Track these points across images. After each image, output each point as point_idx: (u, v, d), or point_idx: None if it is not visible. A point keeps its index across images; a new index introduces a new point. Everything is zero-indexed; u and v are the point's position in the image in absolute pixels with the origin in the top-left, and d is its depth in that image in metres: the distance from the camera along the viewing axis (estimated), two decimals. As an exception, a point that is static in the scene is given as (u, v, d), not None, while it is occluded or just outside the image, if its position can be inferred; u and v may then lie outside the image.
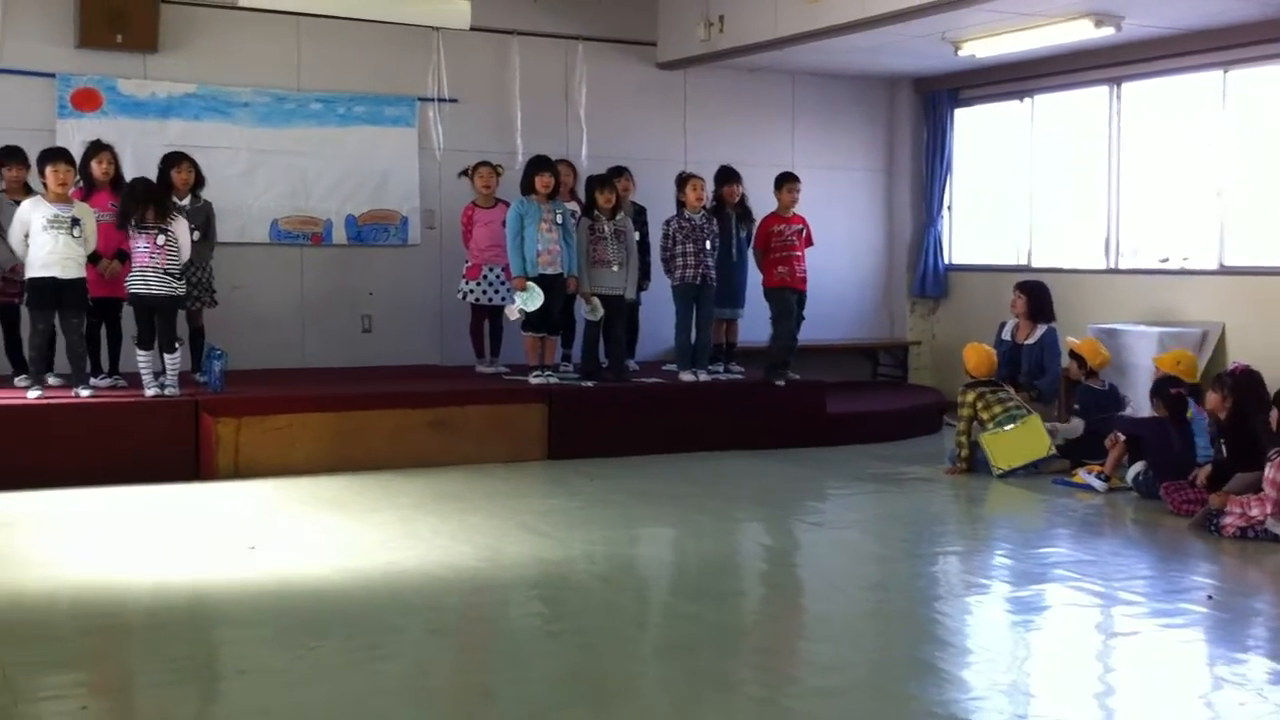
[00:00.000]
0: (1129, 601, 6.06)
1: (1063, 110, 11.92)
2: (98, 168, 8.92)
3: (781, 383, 10.28)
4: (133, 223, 8.46)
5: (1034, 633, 5.73)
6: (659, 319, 10.70)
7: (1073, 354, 9.51)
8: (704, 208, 10.13)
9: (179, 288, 8.69)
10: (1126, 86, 11.21)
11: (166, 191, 8.83)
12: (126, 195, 8.59)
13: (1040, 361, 9.85)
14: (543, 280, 9.54)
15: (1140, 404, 9.23)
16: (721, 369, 10.49)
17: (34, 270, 8.28)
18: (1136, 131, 11.19)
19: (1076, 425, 9.33)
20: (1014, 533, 7.79)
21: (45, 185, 8.40)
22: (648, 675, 5.13)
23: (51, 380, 8.63)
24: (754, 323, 10.75)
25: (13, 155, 8.79)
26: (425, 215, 11.11)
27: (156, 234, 8.47)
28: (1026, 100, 12.15)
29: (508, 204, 9.87)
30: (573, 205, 10.15)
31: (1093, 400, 9.30)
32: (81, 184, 8.87)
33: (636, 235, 10.17)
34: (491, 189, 10.26)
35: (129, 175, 9.06)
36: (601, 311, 9.79)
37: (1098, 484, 8.52)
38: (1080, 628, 5.78)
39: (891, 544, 7.40)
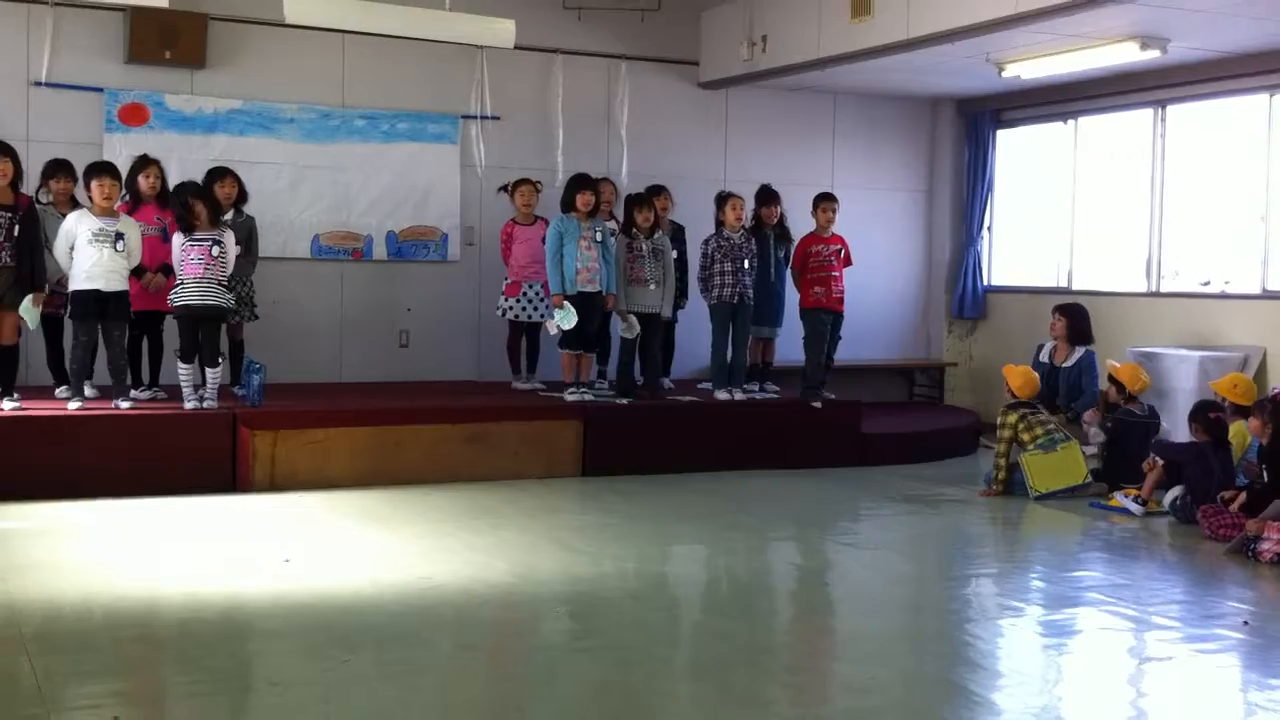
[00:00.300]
0: (1163, 626, 6.03)
1: (1107, 132, 11.87)
2: (144, 182, 9.03)
3: (818, 404, 10.26)
4: (186, 236, 8.54)
5: (1067, 656, 5.70)
6: (695, 337, 10.72)
7: (1111, 378, 9.45)
8: (743, 227, 10.14)
9: (230, 299, 8.80)
10: (1171, 109, 11.15)
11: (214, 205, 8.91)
12: (176, 194, 8.68)
13: (1078, 384, 9.80)
14: (581, 298, 9.58)
15: (1177, 428, 9.15)
16: (757, 388, 10.49)
17: (78, 283, 8.38)
18: (1181, 154, 11.12)
19: (1096, 435, 9.31)
20: (1049, 555, 7.74)
21: (90, 198, 8.50)
22: (679, 694, 5.13)
23: (90, 391, 8.73)
24: (791, 342, 10.75)
25: (60, 168, 8.90)
26: (465, 232, 11.18)
27: (211, 245, 8.56)
28: (1070, 122, 12.10)
29: (547, 221, 9.93)
30: (612, 224, 10.18)
31: (1129, 424, 9.22)
32: (128, 198, 8.99)
33: (674, 254, 10.19)
34: (532, 207, 10.31)
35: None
36: (638, 329, 9.81)
37: (1134, 508, 8.46)
38: (1114, 652, 5.75)
39: (925, 565, 7.38)
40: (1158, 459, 8.53)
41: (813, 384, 10.32)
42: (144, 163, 9.11)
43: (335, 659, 5.21)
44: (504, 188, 10.49)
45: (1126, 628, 6.04)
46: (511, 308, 10.25)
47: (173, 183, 9.23)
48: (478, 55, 11.06)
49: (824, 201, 10.47)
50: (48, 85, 9.91)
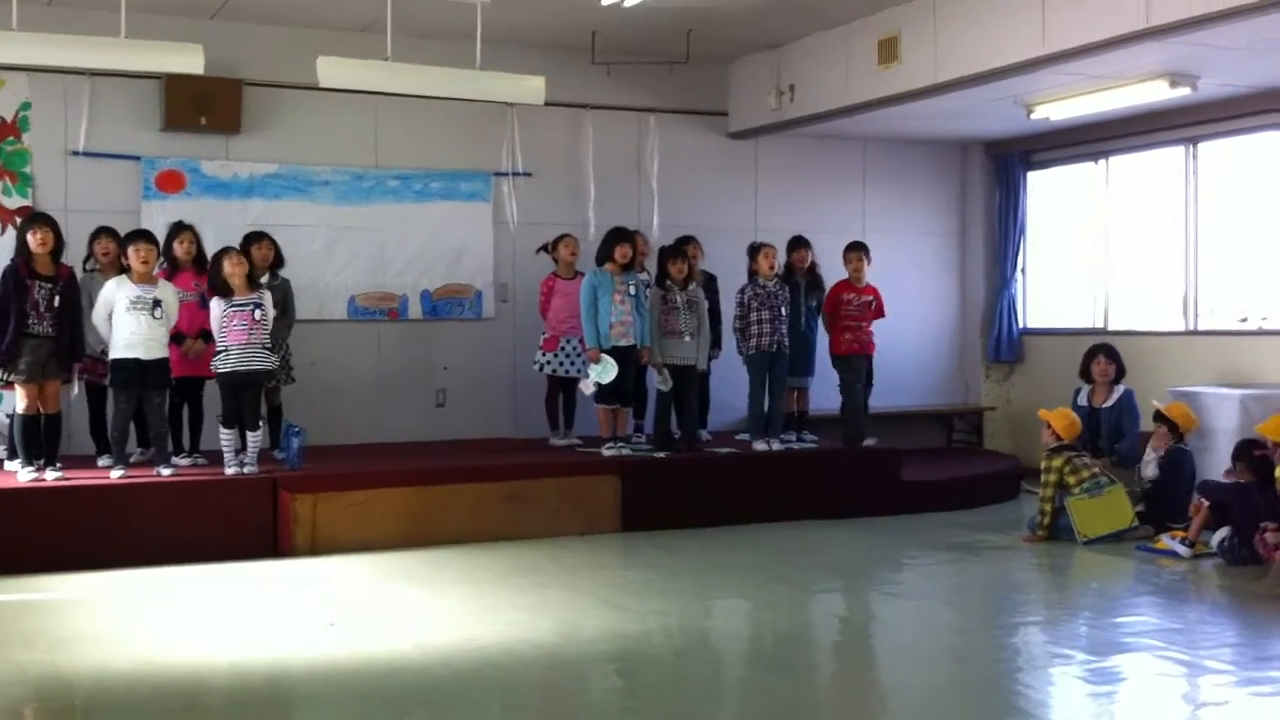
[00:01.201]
0: (1217, 670, 5.96)
1: (1138, 171, 11.84)
2: (179, 247, 9.10)
3: (872, 441, 10.32)
4: (227, 302, 8.59)
5: (1119, 704, 5.63)
6: (730, 388, 10.71)
7: (1161, 417, 9.35)
8: (776, 276, 10.15)
9: (275, 360, 8.86)
10: (1203, 146, 11.12)
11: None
12: (214, 262, 8.72)
13: (1119, 424, 9.72)
14: (615, 352, 9.60)
15: (1219, 468, 9.01)
16: (794, 438, 10.46)
17: (117, 351, 8.44)
18: (1213, 191, 11.08)
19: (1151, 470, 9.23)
20: (1096, 601, 7.66)
21: (128, 266, 8.58)
22: (725, 752, 5.10)
23: (133, 459, 8.78)
24: (823, 391, 10.73)
25: (102, 231, 9.03)
26: (499, 289, 11.22)
27: (252, 309, 8.62)
28: (1101, 161, 12.08)
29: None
30: (644, 275, 10.19)
31: (1182, 457, 9.16)
32: (165, 264, 9.07)
33: (706, 304, 10.19)
34: (576, 259, 10.36)
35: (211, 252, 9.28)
36: (671, 383, 9.80)
37: (1182, 550, 8.37)
38: (1167, 698, 5.68)
39: (971, 614, 7.32)
40: (1203, 500, 8.45)
41: (859, 426, 10.29)
42: (178, 229, 9.19)
43: (382, 724, 5.20)
44: (544, 248, 10.54)
45: (1179, 673, 5.97)
46: (549, 362, 10.28)
47: (209, 246, 9.32)
48: (508, 112, 11.15)
49: (850, 251, 10.51)
50: (85, 155, 10.03)
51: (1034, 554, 8.76)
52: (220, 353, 8.65)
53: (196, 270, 9.14)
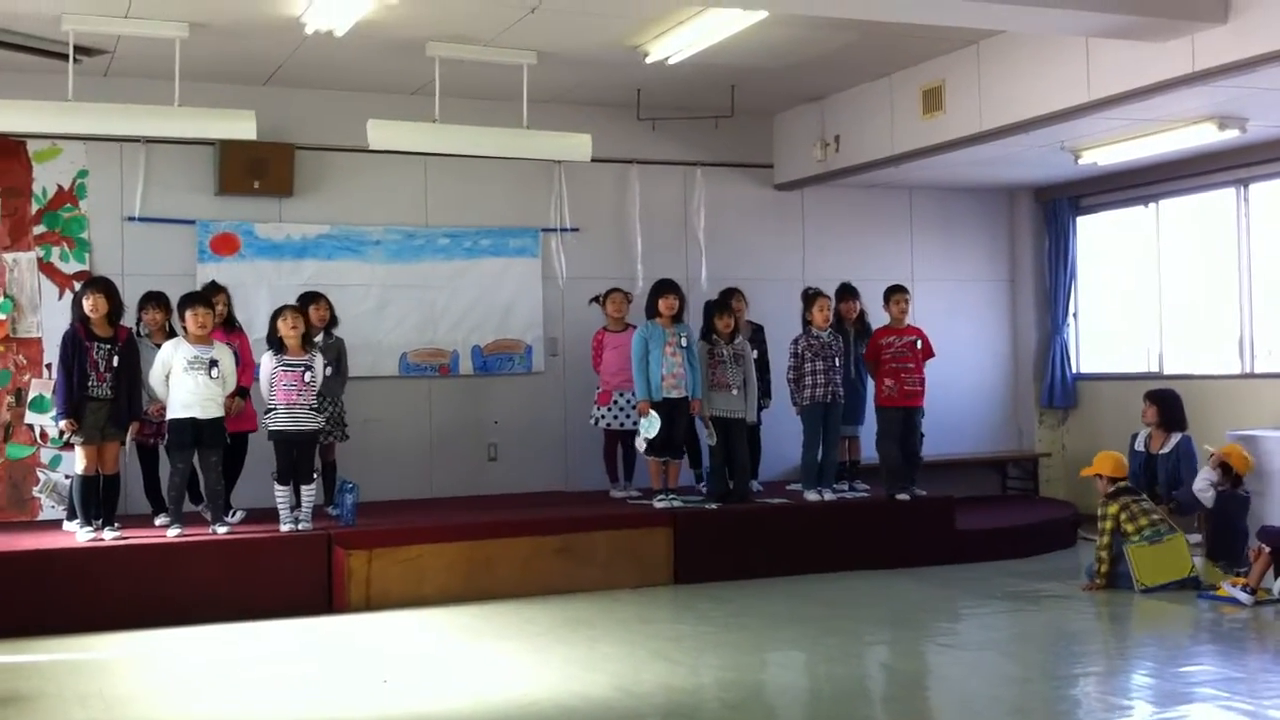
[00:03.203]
0: (1282, 722, 5.85)
1: (1189, 213, 11.77)
2: (212, 309, 9.15)
3: (906, 496, 10.15)
4: (278, 360, 8.71)
5: (1182, 757, 5.55)
6: (781, 438, 10.68)
7: (1222, 465, 9.23)
8: (830, 326, 10.12)
9: (320, 420, 8.94)
10: (1254, 187, 11.06)
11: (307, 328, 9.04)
12: (273, 319, 8.84)
13: (1177, 472, 9.62)
14: (667, 403, 9.62)
15: (1274, 513, 8.88)
16: (846, 487, 10.40)
17: (174, 411, 8.55)
18: (1266, 232, 10.99)
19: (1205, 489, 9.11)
20: (1157, 650, 7.54)
21: (185, 328, 8.69)
22: (781, 807, 5.06)
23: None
24: (873, 440, 10.66)
25: (150, 299, 9.12)
26: (549, 343, 11.28)
27: (303, 371, 8.72)
28: (1151, 205, 12.02)
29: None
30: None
31: (1229, 500, 9.03)
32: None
33: (754, 354, 10.18)
34: (624, 314, 10.40)
35: (264, 314, 9.36)
36: (716, 436, 9.77)
37: (1243, 597, 8.23)
38: (1231, 751, 5.59)
39: (1029, 665, 7.22)
40: (1264, 546, 8.32)
41: (892, 480, 10.20)
42: (213, 290, 9.23)
43: (437, 782, 5.19)
44: (596, 299, 10.62)
45: (1243, 724, 5.88)
46: (603, 416, 10.32)
47: (263, 307, 9.41)
48: (556, 169, 11.25)
49: (895, 294, 10.42)
50: (141, 220, 10.19)
51: (1092, 603, 8.65)
52: (270, 410, 8.75)
53: (225, 330, 9.18)
